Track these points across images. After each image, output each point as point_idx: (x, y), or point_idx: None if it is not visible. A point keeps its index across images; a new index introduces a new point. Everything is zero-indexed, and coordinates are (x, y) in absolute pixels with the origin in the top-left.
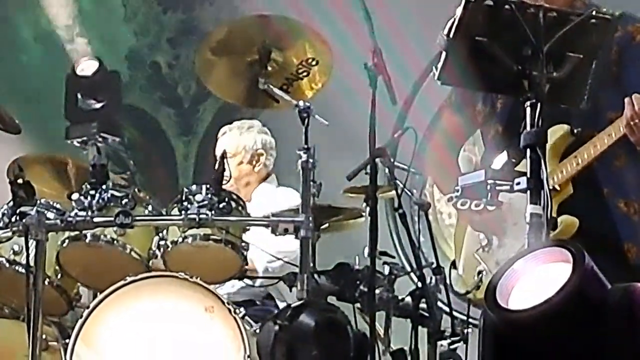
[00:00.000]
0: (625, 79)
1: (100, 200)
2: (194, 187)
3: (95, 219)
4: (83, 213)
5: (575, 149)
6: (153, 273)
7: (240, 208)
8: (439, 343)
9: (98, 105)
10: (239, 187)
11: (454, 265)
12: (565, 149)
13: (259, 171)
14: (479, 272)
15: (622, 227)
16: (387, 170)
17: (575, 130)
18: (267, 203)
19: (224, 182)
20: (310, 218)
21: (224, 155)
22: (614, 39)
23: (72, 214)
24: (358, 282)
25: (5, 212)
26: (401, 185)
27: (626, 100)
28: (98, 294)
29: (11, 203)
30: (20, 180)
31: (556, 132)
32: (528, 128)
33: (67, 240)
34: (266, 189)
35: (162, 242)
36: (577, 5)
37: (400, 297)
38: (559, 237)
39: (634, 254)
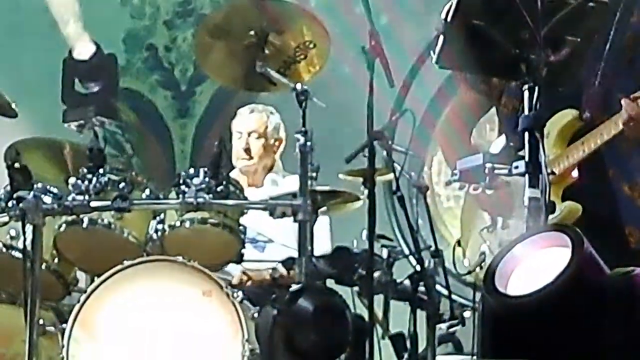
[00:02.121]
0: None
1: (98, 184)
2: (191, 170)
3: (93, 203)
4: (80, 197)
5: (585, 133)
6: (150, 257)
7: (237, 191)
8: (437, 326)
9: (95, 89)
10: (258, 168)
11: (459, 244)
12: (573, 133)
13: (275, 155)
14: (482, 253)
15: (625, 210)
16: (385, 152)
17: (583, 116)
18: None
19: (249, 160)
20: (308, 201)
21: (222, 140)
22: (629, 23)
23: (69, 198)
24: (356, 266)
25: (2, 196)
26: (399, 168)
27: (624, 101)
28: (95, 278)
29: (8, 187)
30: (16, 165)
31: (564, 117)
32: (526, 111)
33: (64, 225)
34: (275, 179)
35: (159, 226)
36: None
37: (398, 281)
38: (562, 222)
39: (636, 238)
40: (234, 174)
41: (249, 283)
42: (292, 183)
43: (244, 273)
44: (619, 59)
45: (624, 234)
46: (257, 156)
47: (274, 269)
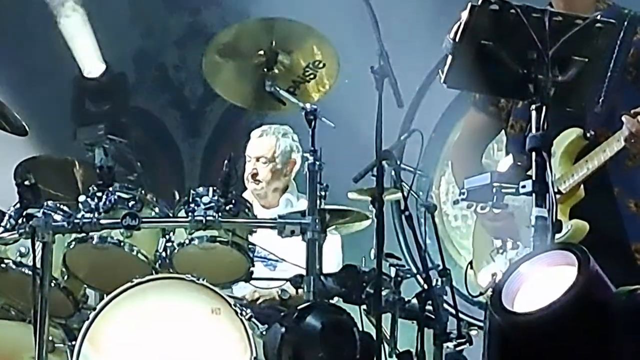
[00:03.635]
0: None
1: (107, 202)
2: (200, 189)
3: (102, 221)
4: (90, 215)
5: (590, 151)
6: (160, 275)
7: (246, 210)
8: (445, 345)
9: (105, 107)
10: (268, 192)
11: (471, 265)
12: (578, 152)
13: (287, 178)
14: (493, 275)
15: (631, 227)
16: (393, 172)
17: (588, 134)
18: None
19: (257, 184)
20: (317, 220)
21: (231, 158)
22: (632, 41)
23: (79, 215)
24: (364, 284)
25: (12, 214)
26: (407, 187)
27: (625, 117)
28: (105, 295)
29: (18, 205)
30: (27, 182)
31: (569, 136)
32: (533, 131)
33: (73, 242)
34: (289, 199)
35: (168, 244)
36: (599, 7)
37: (406, 299)
38: (569, 241)
39: None
40: (246, 194)
41: (259, 301)
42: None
43: (255, 292)
44: (622, 76)
45: (631, 250)
46: (265, 181)
47: (283, 290)
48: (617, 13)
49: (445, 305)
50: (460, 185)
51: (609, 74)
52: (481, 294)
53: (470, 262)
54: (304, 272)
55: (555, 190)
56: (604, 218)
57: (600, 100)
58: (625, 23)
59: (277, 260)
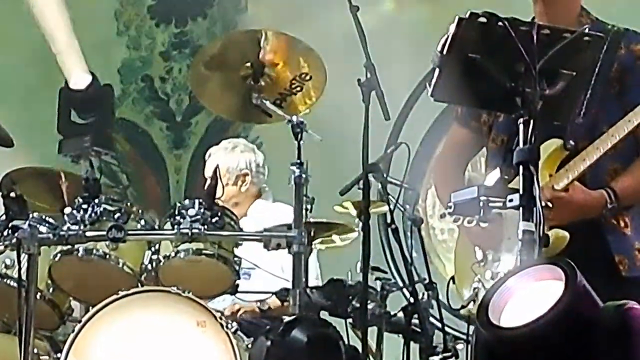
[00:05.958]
0: (628, 100)
1: (93, 214)
2: (186, 201)
3: (88, 233)
4: (75, 227)
5: (570, 161)
6: (145, 288)
7: (232, 223)
8: (430, 359)
9: (91, 119)
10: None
11: (453, 280)
12: (558, 163)
13: (246, 191)
14: (475, 287)
15: (612, 239)
16: (380, 185)
17: (568, 145)
18: (262, 219)
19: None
20: (303, 233)
21: (216, 170)
22: (617, 55)
23: (65, 227)
24: (350, 298)
25: None
26: (394, 201)
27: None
28: (90, 308)
29: (3, 217)
30: (12, 194)
31: (549, 147)
32: (521, 145)
33: (59, 254)
34: (261, 205)
35: (154, 257)
36: (582, 22)
37: (392, 313)
38: (549, 250)
39: (626, 265)
40: None
41: (240, 313)
42: (280, 210)
43: (235, 304)
44: (605, 90)
45: (614, 262)
46: (220, 199)
47: (262, 301)
48: (600, 28)
49: (432, 319)
50: (441, 199)
51: (591, 86)
52: (463, 307)
53: (452, 277)
54: (281, 282)
55: (543, 204)
56: (585, 229)
57: (582, 112)
58: (609, 38)
59: (250, 268)
